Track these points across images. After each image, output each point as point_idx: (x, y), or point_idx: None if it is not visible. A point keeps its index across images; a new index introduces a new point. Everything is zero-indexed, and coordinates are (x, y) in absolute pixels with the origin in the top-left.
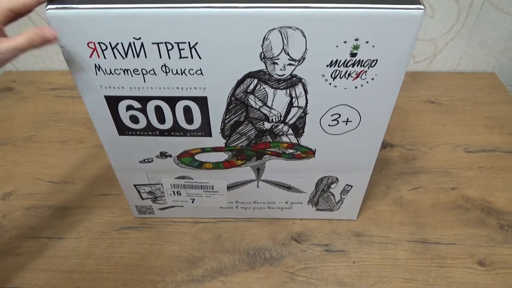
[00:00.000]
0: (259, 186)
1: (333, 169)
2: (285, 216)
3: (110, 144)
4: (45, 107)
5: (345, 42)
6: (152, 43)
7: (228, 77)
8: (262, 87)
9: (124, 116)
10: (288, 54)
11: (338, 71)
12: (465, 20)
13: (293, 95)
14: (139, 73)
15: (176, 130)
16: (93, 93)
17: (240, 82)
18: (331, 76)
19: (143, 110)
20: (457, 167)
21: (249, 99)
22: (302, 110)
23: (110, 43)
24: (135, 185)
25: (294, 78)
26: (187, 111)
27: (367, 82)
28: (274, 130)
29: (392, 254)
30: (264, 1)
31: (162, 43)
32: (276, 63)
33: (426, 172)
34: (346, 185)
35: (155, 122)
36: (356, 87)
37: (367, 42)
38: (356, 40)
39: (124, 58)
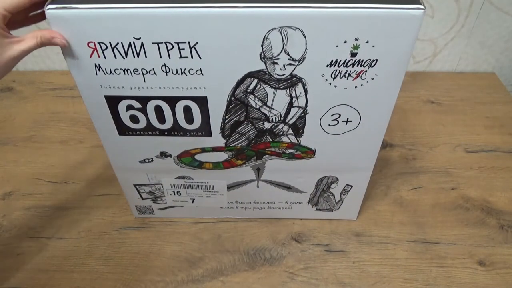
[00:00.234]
0: (259, 186)
1: (333, 169)
2: (285, 216)
3: (110, 144)
4: (45, 107)
5: (345, 42)
6: (152, 43)
7: (228, 77)
8: (262, 87)
9: (124, 116)
10: (288, 54)
11: (338, 71)
12: (465, 20)
13: (293, 95)
14: (139, 73)
15: (176, 130)
16: (93, 93)
17: (240, 82)
18: (331, 76)
19: (143, 110)
20: (457, 167)
21: (249, 99)
22: (302, 110)
23: (110, 43)
24: (135, 185)
25: (294, 78)
26: (187, 111)
27: (367, 82)
28: (274, 130)
29: (392, 254)
30: (264, 1)
31: (162, 43)
32: (276, 63)
33: (426, 172)
34: (346, 185)
35: (155, 122)
36: (356, 87)
37: (367, 42)
38: (356, 40)
39: (124, 58)
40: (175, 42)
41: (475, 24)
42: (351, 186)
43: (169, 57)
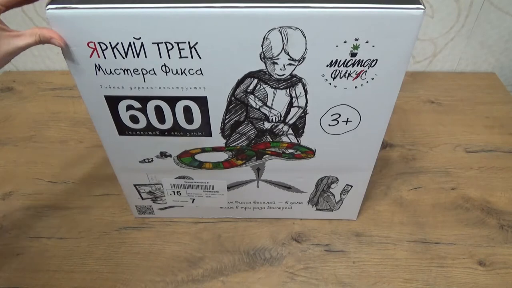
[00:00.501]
0: (259, 186)
1: (333, 169)
2: (285, 216)
3: (110, 144)
4: (45, 107)
5: (345, 42)
6: (152, 43)
7: (228, 77)
8: (262, 87)
9: (124, 116)
10: (288, 54)
11: (338, 71)
12: (465, 20)
13: (293, 95)
14: (139, 73)
15: (176, 130)
16: (93, 93)
17: (240, 82)
18: (331, 76)
19: (143, 110)
20: (457, 167)
21: (249, 99)
22: (302, 110)
23: (110, 43)
24: (135, 185)
25: (294, 78)
26: (187, 111)
27: (367, 82)
28: (274, 130)
29: (392, 254)
30: (264, 1)
31: (162, 43)
32: (276, 63)
33: (426, 172)
34: (346, 185)
35: (155, 122)
36: (356, 87)
37: (367, 42)
38: (356, 40)
39: (124, 58)
40: (175, 42)
41: (475, 24)
42: (351, 186)
43: (169, 57)
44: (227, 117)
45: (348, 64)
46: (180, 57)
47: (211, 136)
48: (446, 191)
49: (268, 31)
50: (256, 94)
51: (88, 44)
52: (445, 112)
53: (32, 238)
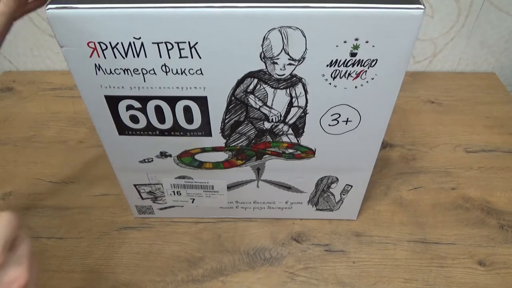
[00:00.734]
0: (259, 186)
1: (333, 169)
2: (285, 216)
3: (110, 144)
4: (45, 107)
5: (345, 42)
6: (152, 43)
7: (228, 77)
8: (262, 87)
9: (124, 116)
10: (288, 54)
11: (338, 71)
12: (465, 20)
13: (293, 95)
14: (139, 73)
15: (176, 130)
16: (93, 93)
17: (240, 82)
18: (331, 76)
19: (143, 110)
20: (457, 167)
21: (249, 99)
22: (302, 110)
23: (110, 42)
24: (135, 185)
25: (294, 78)
26: (187, 111)
27: (367, 82)
28: (274, 130)
29: (392, 254)
30: (264, 1)
31: (162, 42)
32: (276, 63)
33: (426, 172)
34: (346, 185)
35: (155, 122)
36: (356, 87)
37: (367, 42)
38: (356, 40)
39: (124, 58)
40: (175, 42)
41: (475, 24)
42: (351, 186)
43: (169, 57)
44: (227, 117)
45: (348, 64)
46: (180, 57)
47: (211, 136)
48: (446, 191)
49: (268, 31)
50: (256, 94)
51: (88, 44)
52: (445, 112)
53: (32, 238)
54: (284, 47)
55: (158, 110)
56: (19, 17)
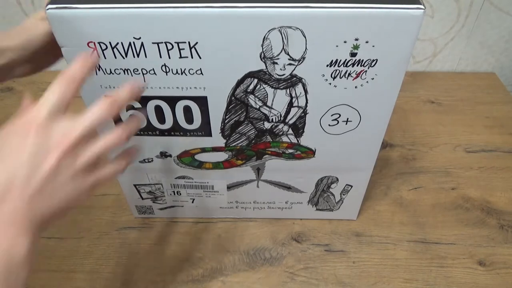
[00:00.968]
0: (259, 186)
1: (333, 169)
2: (285, 216)
3: None
4: None
5: (345, 42)
6: (152, 43)
7: (228, 77)
8: (262, 87)
9: (124, 116)
10: (288, 54)
11: (338, 71)
12: (465, 20)
13: (293, 95)
14: (139, 73)
15: (176, 130)
16: (93, 93)
17: (240, 82)
18: (331, 76)
19: (143, 110)
20: (457, 167)
21: (249, 99)
22: (302, 110)
23: (110, 43)
24: (135, 185)
25: (294, 78)
26: (187, 111)
27: (367, 82)
28: (274, 130)
29: (392, 254)
30: (264, 1)
31: (162, 42)
32: (276, 63)
33: (426, 172)
34: (346, 185)
35: (155, 122)
36: (356, 87)
37: (367, 42)
38: (356, 40)
39: (124, 58)
40: (175, 42)
41: (475, 24)
42: (351, 186)
43: (169, 57)
44: (227, 117)
45: (348, 64)
46: (180, 57)
47: (211, 136)
48: (446, 191)
49: (268, 31)
50: (256, 94)
51: (88, 44)
52: (445, 112)
53: None
54: (284, 47)
55: (158, 110)
56: None
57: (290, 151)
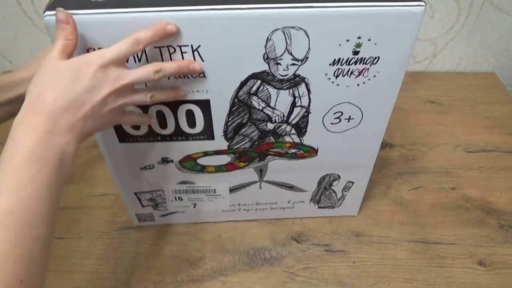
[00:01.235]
0: (261, 187)
1: (335, 166)
2: (287, 216)
3: (110, 152)
4: None
5: (347, 40)
6: (154, 47)
7: (231, 79)
8: (265, 88)
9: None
10: (291, 54)
11: (340, 70)
12: (465, 20)
13: (296, 94)
14: None
15: (178, 135)
16: None
17: (243, 84)
18: (334, 75)
19: (145, 115)
20: (457, 167)
21: (252, 101)
22: (305, 110)
23: None
24: (135, 193)
25: (297, 78)
26: (190, 115)
27: (369, 79)
28: (277, 131)
29: (392, 254)
30: (267, 2)
31: (164, 46)
32: (279, 64)
33: (426, 172)
34: (348, 181)
35: (156, 128)
36: (358, 85)
37: (369, 40)
38: (359, 38)
39: (125, 63)
40: (177, 46)
41: (475, 24)
42: (353, 183)
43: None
44: (230, 119)
45: (350, 62)
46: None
47: (213, 139)
48: (446, 191)
49: (272, 31)
50: (260, 95)
51: (87, 50)
52: (445, 112)
53: None
54: (287, 47)
55: (160, 115)
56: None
57: (293, 151)
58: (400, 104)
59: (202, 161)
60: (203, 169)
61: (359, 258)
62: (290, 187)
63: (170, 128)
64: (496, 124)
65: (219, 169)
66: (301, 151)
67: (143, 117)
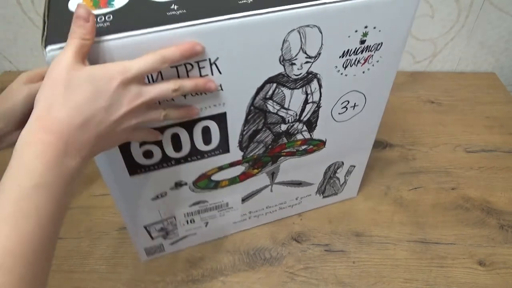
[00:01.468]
0: (272, 190)
1: (340, 154)
2: (295, 212)
3: (119, 187)
4: None
5: (356, 31)
6: (171, 67)
7: (248, 87)
8: (280, 90)
9: (137, 153)
10: (305, 52)
11: (349, 60)
12: (465, 20)
13: (309, 91)
14: (156, 102)
15: (193, 155)
16: None
17: (259, 89)
18: (343, 66)
19: (159, 142)
20: (457, 167)
21: (267, 105)
22: (316, 105)
23: None
24: (145, 226)
25: (310, 75)
26: (205, 131)
27: (373, 65)
28: (290, 130)
29: (392, 254)
30: (277, 4)
31: (181, 65)
32: (294, 64)
33: (426, 172)
34: (350, 166)
35: (171, 152)
36: (363, 72)
37: (374, 28)
38: (366, 27)
39: None
40: (195, 62)
41: (475, 24)
42: (354, 166)
43: None
44: (245, 128)
45: (357, 52)
46: (200, 76)
47: (228, 152)
48: (446, 191)
49: (288, 32)
50: (275, 99)
51: None
52: (445, 112)
53: None
54: (302, 46)
55: (175, 138)
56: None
57: (304, 147)
58: (400, 104)
59: (216, 177)
60: (216, 185)
61: (359, 258)
62: (299, 184)
63: (185, 150)
64: (496, 124)
65: (232, 181)
66: (311, 146)
67: (152, 133)
